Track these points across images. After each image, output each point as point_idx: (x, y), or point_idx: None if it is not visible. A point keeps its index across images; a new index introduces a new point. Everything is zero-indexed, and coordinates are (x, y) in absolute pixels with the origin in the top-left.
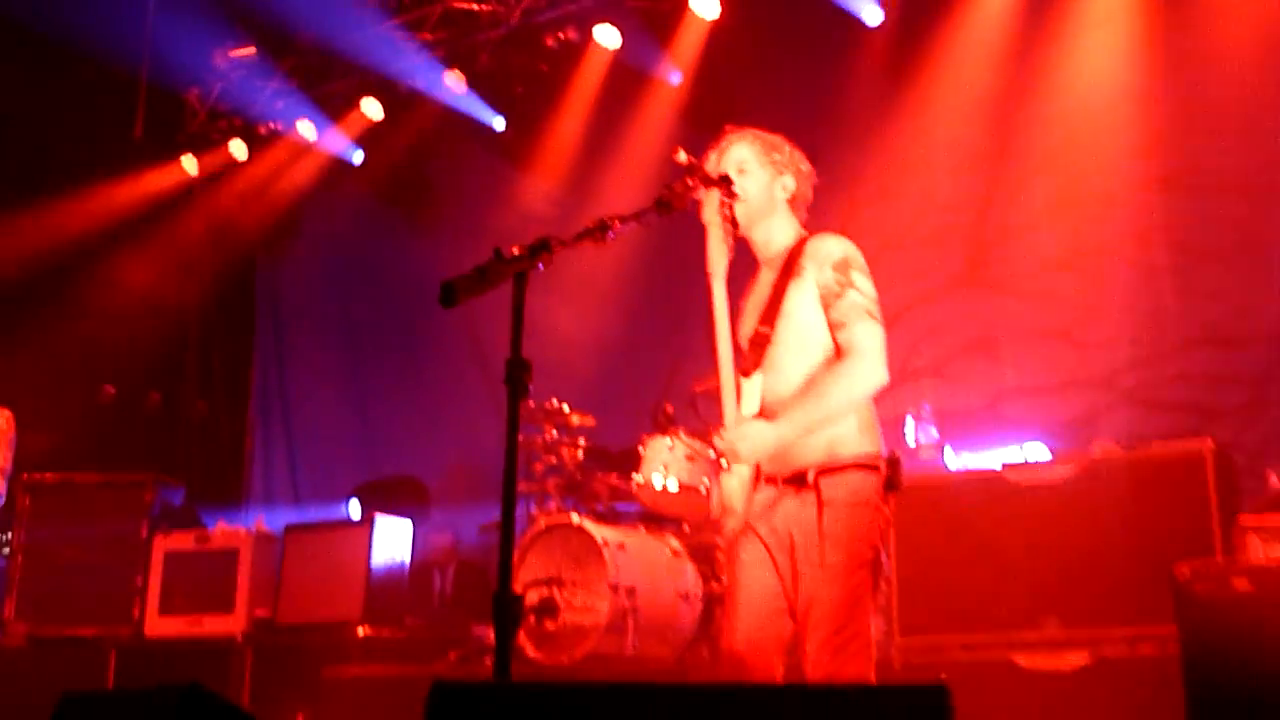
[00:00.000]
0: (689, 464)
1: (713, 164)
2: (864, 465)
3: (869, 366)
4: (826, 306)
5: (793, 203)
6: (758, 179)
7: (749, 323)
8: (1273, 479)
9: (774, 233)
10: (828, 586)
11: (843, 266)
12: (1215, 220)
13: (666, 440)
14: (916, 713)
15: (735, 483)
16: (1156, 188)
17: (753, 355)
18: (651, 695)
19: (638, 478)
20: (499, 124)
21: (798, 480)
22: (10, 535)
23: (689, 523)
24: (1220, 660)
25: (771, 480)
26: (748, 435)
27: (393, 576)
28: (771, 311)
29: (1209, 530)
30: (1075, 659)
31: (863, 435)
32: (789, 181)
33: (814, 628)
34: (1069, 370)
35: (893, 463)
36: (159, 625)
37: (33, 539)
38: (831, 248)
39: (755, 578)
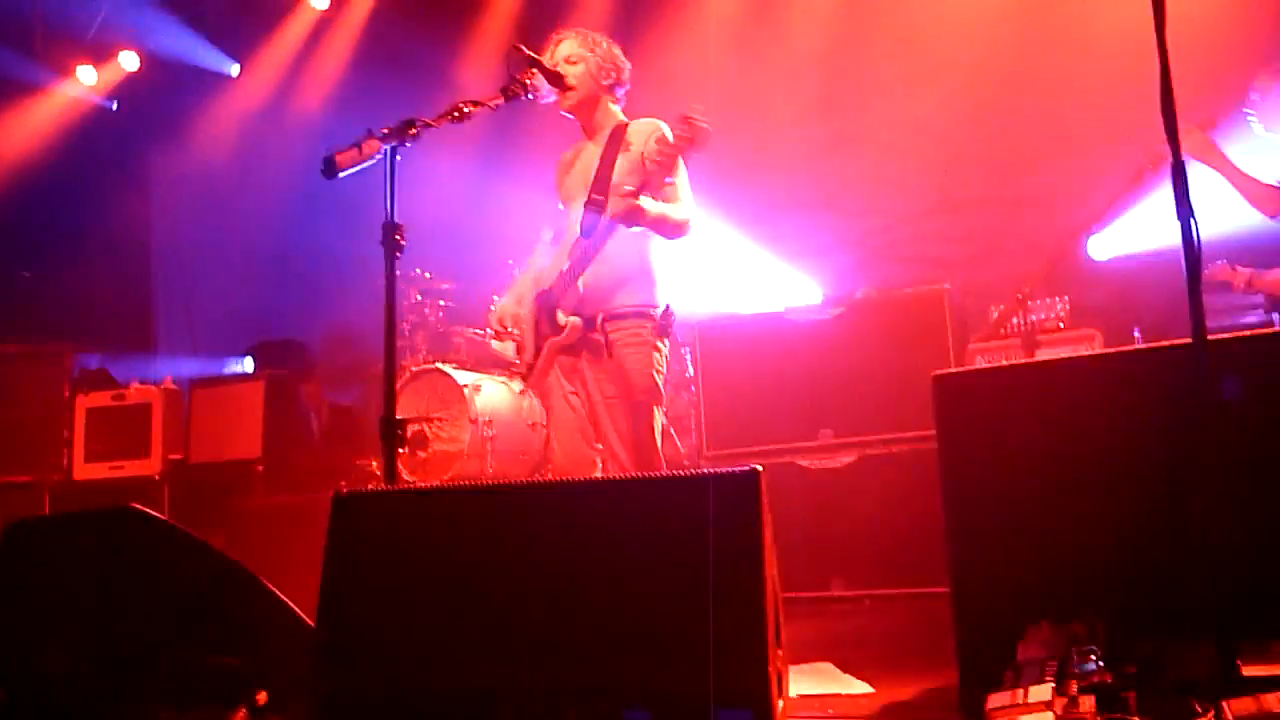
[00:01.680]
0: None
1: (547, 58)
2: (643, 313)
3: (684, 208)
4: (648, 172)
5: (612, 89)
6: (585, 69)
7: (577, 188)
8: (993, 313)
9: (598, 114)
10: (616, 412)
11: (662, 140)
12: (945, 109)
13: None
14: (739, 487)
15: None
16: (903, 82)
17: (587, 218)
18: (504, 492)
19: (488, 331)
20: None
21: (590, 324)
22: None
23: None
24: (966, 441)
25: (578, 318)
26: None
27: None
28: (602, 181)
29: (946, 354)
30: (845, 458)
31: (645, 288)
32: (610, 70)
33: (612, 449)
34: (837, 235)
35: (665, 313)
36: (85, 470)
37: None
38: (656, 126)
39: (561, 409)
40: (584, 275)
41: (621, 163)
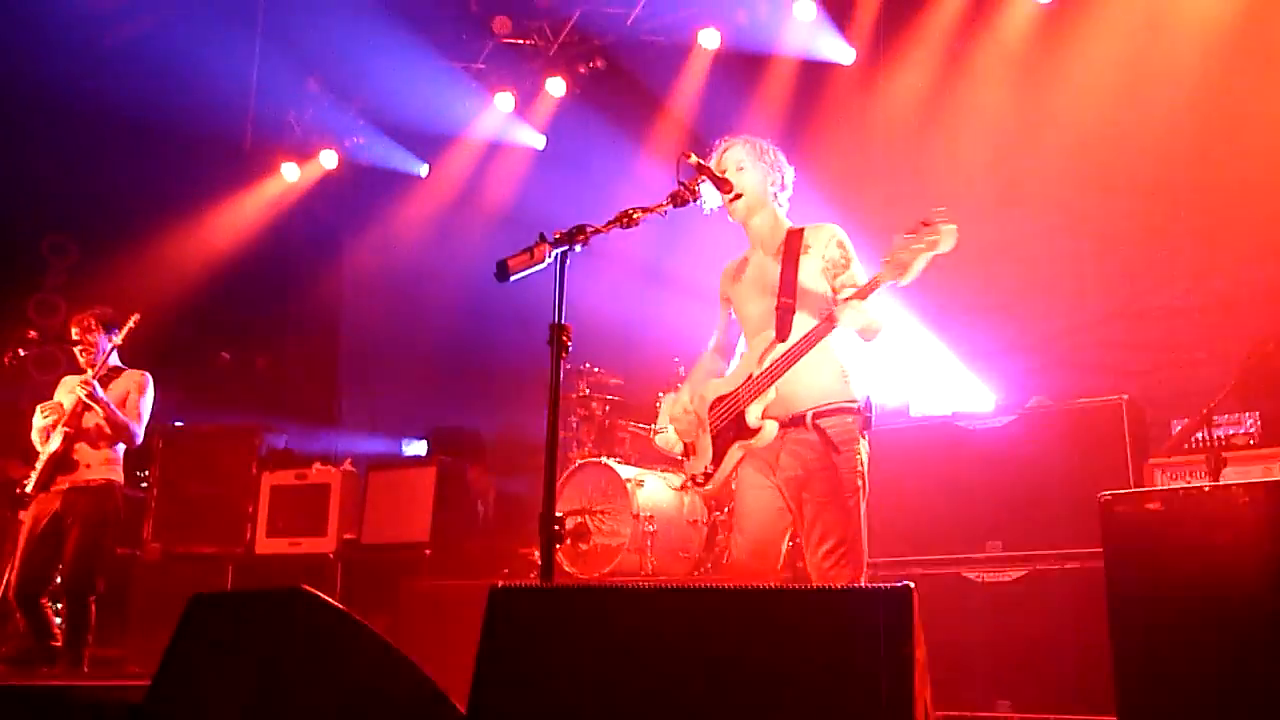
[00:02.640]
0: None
1: (714, 164)
2: (850, 409)
3: (883, 314)
4: (834, 277)
5: (777, 196)
6: (753, 175)
7: (752, 295)
8: (1174, 427)
9: (766, 220)
10: (828, 510)
11: (843, 246)
12: (1127, 215)
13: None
14: (889, 607)
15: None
16: (1080, 188)
17: (780, 323)
18: (665, 595)
19: (654, 427)
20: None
21: (797, 421)
22: (148, 473)
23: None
24: (1136, 568)
25: (775, 420)
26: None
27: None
28: (789, 286)
29: (1124, 468)
30: (1014, 573)
31: (850, 384)
32: (777, 178)
33: (818, 543)
34: (1009, 339)
35: (867, 405)
36: (266, 545)
37: (165, 476)
38: (834, 231)
39: (756, 502)
40: (778, 383)
41: (805, 267)
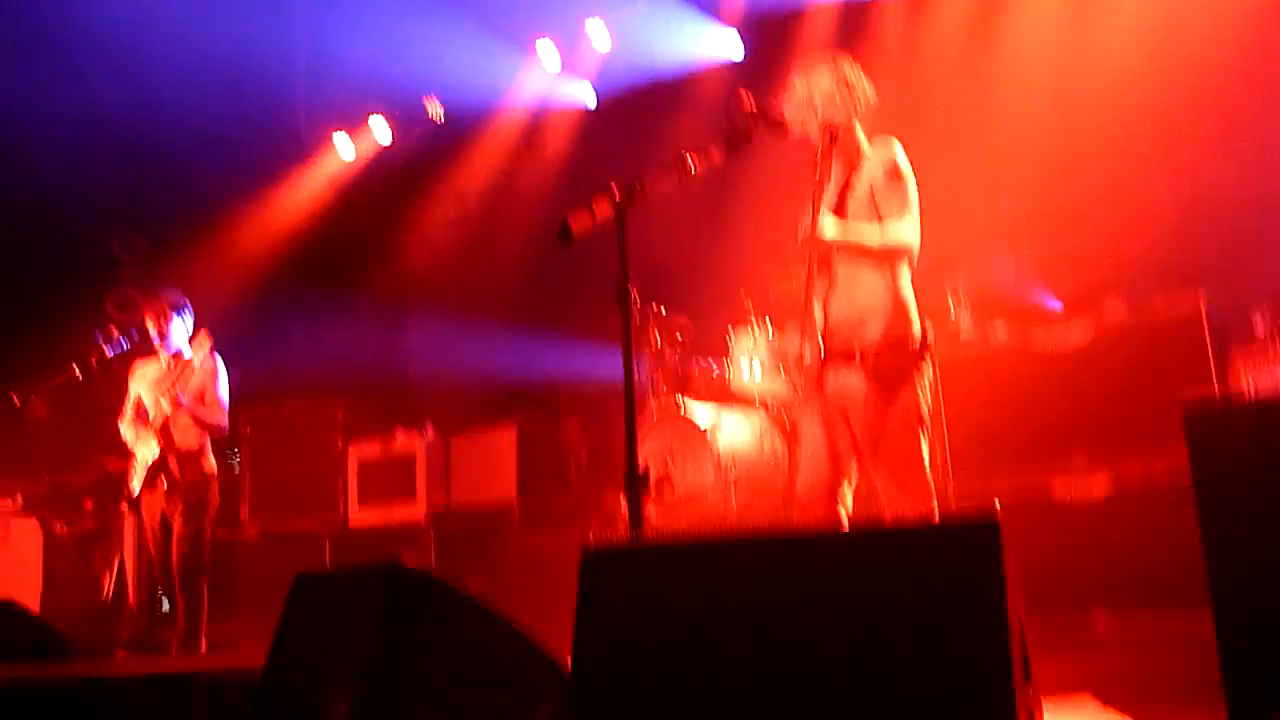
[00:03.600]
0: (767, 351)
1: (802, 88)
2: (905, 340)
3: (911, 227)
4: (878, 189)
5: (859, 114)
6: (840, 105)
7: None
8: (1256, 322)
9: (845, 141)
10: (889, 444)
11: (893, 163)
12: (1192, 109)
13: (748, 332)
14: (977, 539)
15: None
16: (1141, 84)
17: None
18: (753, 545)
19: (728, 364)
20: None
21: (850, 356)
22: (238, 456)
23: (770, 399)
24: (1224, 465)
25: (831, 357)
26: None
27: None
28: (841, 206)
29: (1206, 367)
30: (1100, 488)
31: (906, 315)
32: (861, 101)
33: (885, 478)
34: (1078, 245)
35: (924, 340)
36: (359, 517)
37: (255, 457)
38: (889, 151)
39: (813, 439)
40: (837, 306)
41: (858, 186)
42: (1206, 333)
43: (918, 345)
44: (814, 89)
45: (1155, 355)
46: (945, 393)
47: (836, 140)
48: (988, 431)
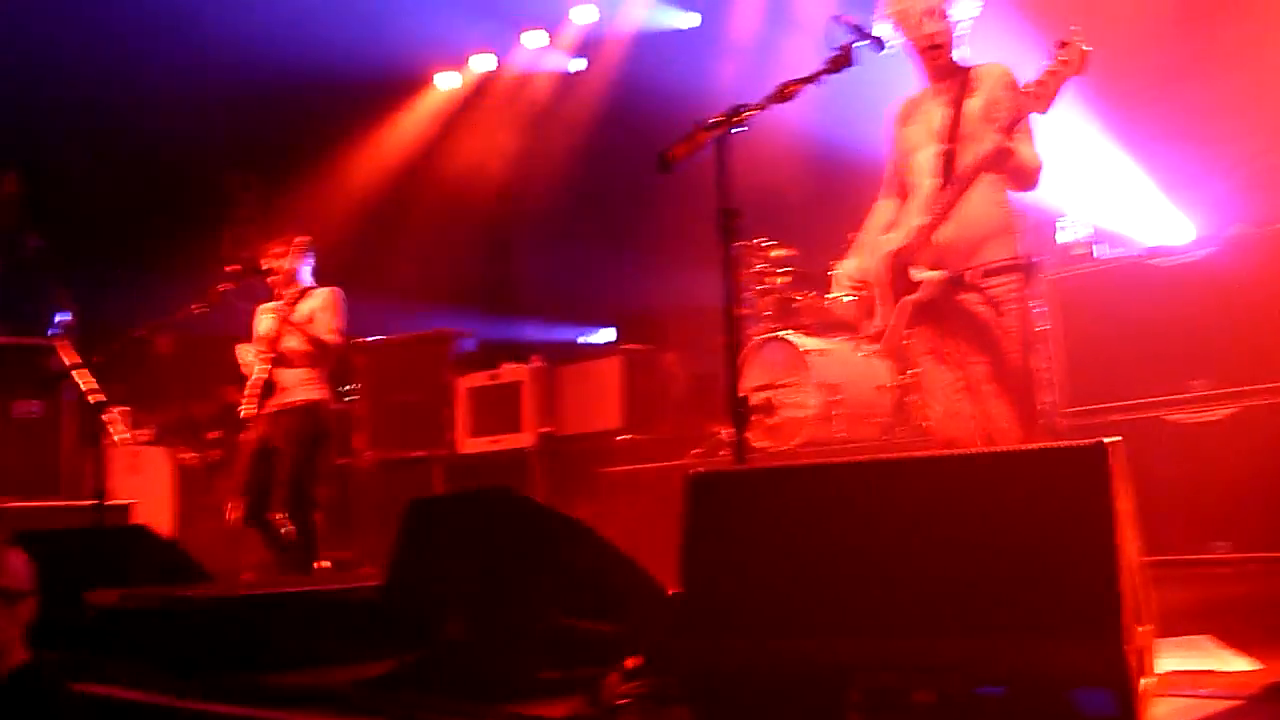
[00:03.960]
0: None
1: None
2: (1015, 266)
3: (1038, 156)
4: (995, 121)
5: (965, 35)
6: (952, 22)
7: (921, 139)
8: None
9: (946, 62)
10: (996, 369)
11: (1011, 88)
12: None
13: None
14: (1088, 463)
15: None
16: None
17: (943, 169)
18: (858, 468)
19: (829, 295)
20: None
21: (959, 279)
22: (353, 386)
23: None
24: None
25: (938, 272)
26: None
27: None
28: (953, 130)
29: None
30: (1222, 411)
31: (1012, 241)
32: (969, 19)
33: (990, 403)
34: (1204, 163)
35: (1034, 265)
36: (469, 445)
37: (369, 387)
38: (1002, 72)
39: (931, 369)
40: (942, 228)
41: (970, 109)
42: None
43: (1027, 267)
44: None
45: None
46: (1057, 314)
47: (947, 55)
48: (1103, 355)
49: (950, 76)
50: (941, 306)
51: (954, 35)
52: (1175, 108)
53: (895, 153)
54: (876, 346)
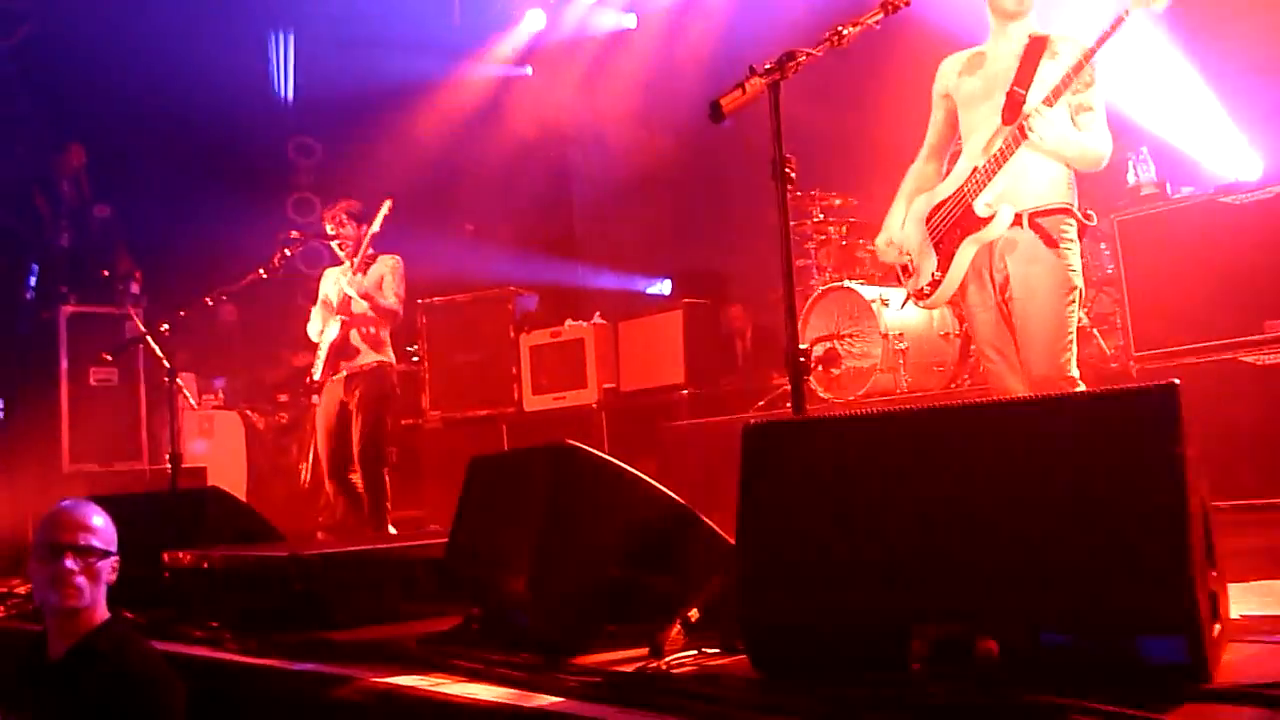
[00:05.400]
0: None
1: None
2: (1069, 210)
3: (1103, 139)
4: (1073, 90)
5: None
6: None
7: (982, 92)
8: None
9: (1022, 19)
10: (1041, 308)
11: (1091, 64)
12: None
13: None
14: (1154, 406)
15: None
16: None
17: (1009, 110)
18: (917, 416)
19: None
20: None
21: (1015, 220)
22: (417, 347)
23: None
24: None
25: (997, 218)
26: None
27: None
28: (1025, 79)
29: None
30: None
31: (1067, 189)
32: None
33: (1031, 341)
34: (1270, 105)
35: (1087, 214)
36: (534, 402)
37: (433, 348)
38: (1080, 46)
39: (986, 323)
40: (1000, 173)
41: (1047, 68)
42: None
43: (1081, 214)
44: None
45: None
46: (1127, 256)
47: (1029, 6)
48: (1175, 296)
49: (1023, 37)
50: (994, 246)
51: None
52: (1256, 42)
53: (947, 106)
54: (931, 298)
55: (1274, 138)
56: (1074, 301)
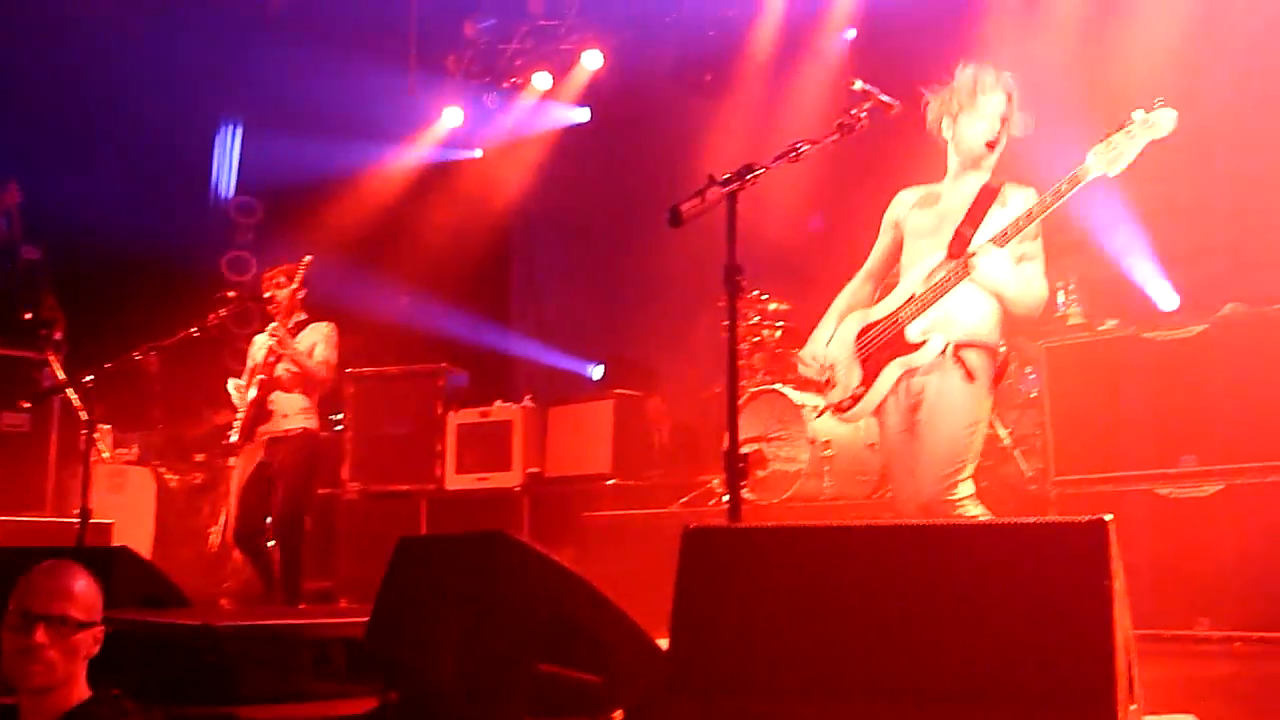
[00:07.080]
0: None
1: (984, 83)
2: (993, 349)
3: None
4: (1022, 229)
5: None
6: (1011, 123)
7: (929, 227)
8: None
9: (971, 160)
10: (951, 436)
11: (1034, 218)
12: None
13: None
14: (1085, 540)
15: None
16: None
17: (954, 245)
18: (858, 532)
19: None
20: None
21: (940, 350)
22: (341, 416)
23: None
24: None
25: (929, 345)
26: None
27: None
28: (975, 219)
29: None
30: (1211, 487)
31: (996, 327)
32: (1019, 133)
33: (937, 468)
34: (1197, 241)
35: (1006, 357)
36: (456, 481)
37: (358, 418)
38: (1028, 195)
39: (892, 431)
40: (939, 303)
41: (995, 216)
42: None
43: (1001, 356)
44: (989, 95)
45: (1276, 360)
46: (1051, 382)
47: (992, 156)
48: (1095, 425)
49: (970, 178)
50: (923, 371)
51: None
52: (1174, 188)
53: (894, 234)
54: (850, 412)
55: (1192, 276)
56: (975, 433)
